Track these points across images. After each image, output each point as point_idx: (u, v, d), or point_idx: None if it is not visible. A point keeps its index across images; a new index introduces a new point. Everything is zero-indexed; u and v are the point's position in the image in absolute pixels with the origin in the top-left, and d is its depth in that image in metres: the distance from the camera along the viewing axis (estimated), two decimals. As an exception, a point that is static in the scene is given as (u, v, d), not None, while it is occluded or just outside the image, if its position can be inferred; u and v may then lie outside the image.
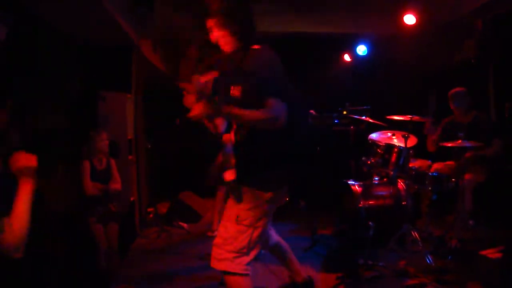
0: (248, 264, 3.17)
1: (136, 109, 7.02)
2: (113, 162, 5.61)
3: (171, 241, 6.40)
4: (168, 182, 8.26)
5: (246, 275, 3.16)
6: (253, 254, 3.19)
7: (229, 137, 3.35)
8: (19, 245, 2.52)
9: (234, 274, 3.14)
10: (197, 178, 6.74)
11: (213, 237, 6.22)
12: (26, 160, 2.66)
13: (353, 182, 5.70)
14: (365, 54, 8.20)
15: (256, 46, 3.24)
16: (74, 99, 6.38)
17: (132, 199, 6.68)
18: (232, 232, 3.15)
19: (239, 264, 3.14)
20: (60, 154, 5.64)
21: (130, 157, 6.67)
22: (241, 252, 3.14)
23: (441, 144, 5.57)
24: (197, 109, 3.21)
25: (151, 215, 7.45)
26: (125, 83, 6.91)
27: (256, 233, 3.16)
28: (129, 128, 6.70)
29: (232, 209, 3.22)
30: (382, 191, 5.67)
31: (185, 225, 6.89)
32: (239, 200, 3.17)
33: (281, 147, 3.10)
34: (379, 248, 5.02)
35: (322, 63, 8.45)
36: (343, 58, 8.56)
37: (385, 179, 5.79)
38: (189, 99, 4.65)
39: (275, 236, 3.86)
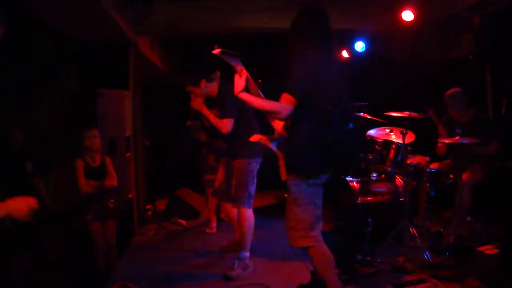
0: (318, 235, 3.68)
1: (134, 106, 7.01)
2: (107, 159, 5.58)
3: (169, 238, 6.41)
4: (166, 179, 8.26)
5: (320, 244, 3.67)
6: (318, 227, 3.71)
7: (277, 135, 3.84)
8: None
9: (312, 246, 3.64)
10: (195, 175, 6.74)
11: (211, 234, 6.27)
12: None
13: (351, 179, 5.71)
14: (363, 50, 8.18)
15: None
16: (71, 96, 6.38)
17: (130, 196, 6.69)
18: (297, 213, 3.64)
19: (313, 237, 3.64)
20: (57, 152, 5.65)
21: (128, 154, 6.67)
22: (310, 228, 3.63)
23: (439, 141, 5.58)
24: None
25: (149, 212, 7.48)
26: (123, 80, 6.90)
27: (315, 210, 3.68)
28: (127, 125, 6.69)
29: (290, 195, 3.70)
30: (380, 188, 5.68)
31: (183, 222, 6.89)
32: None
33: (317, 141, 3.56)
34: (377, 244, 5.03)
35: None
36: (340, 54, 8.55)
37: (383, 176, 5.80)
38: (197, 102, 4.83)
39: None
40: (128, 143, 6.73)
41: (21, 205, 2.74)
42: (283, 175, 3.70)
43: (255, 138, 3.92)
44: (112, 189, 5.52)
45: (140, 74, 7.27)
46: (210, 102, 5.14)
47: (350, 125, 3.74)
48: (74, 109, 6.34)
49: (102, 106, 6.42)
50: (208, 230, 6.46)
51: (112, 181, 5.49)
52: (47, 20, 5.39)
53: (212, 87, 5.15)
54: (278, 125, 3.81)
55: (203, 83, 5.11)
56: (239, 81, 3.68)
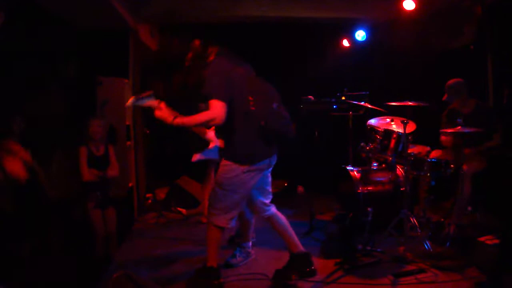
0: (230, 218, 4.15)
1: (134, 94, 6.98)
2: (111, 148, 5.60)
3: (169, 227, 6.41)
4: (166, 168, 8.25)
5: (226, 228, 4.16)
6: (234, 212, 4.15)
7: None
8: None
9: (220, 227, 4.15)
10: (196, 163, 6.71)
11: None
12: None
13: (352, 168, 5.71)
14: (364, 39, 8.15)
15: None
16: (71, 84, 6.36)
17: (130, 184, 6.69)
18: (218, 194, 4.10)
19: (224, 220, 4.11)
20: (58, 140, 5.64)
21: (128, 143, 6.66)
22: (225, 211, 4.09)
23: (441, 131, 5.58)
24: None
25: (149, 201, 7.49)
26: (123, 68, 6.88)
27: (235, 197, 4.07)
28: (127, 113, 6.67)
29: (218, 177, 4.10)
30: (381, 177, 5.67)
31: (183, 210, 6.89)
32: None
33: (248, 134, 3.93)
34: (378, 233, 5.03)
35: (320, 48, 8.41)
36: (341, 44, 8.52)
37: (383, 165, 5.80)
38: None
39: (273, 209, 4.43)
40: (128, 131, 6.73)
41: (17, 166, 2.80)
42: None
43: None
44: (114, 177, 5.53)
45: (140, 62, 7.25)
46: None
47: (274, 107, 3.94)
48: (74, 97, 6.32)
49: (103, 94, 6.40)
50: (204, 220, 6.43)
51: (114, 171, 5.51)
52: (47, 8, 5.37)
53: None
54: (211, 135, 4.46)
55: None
56: (164, 113, 3.94)
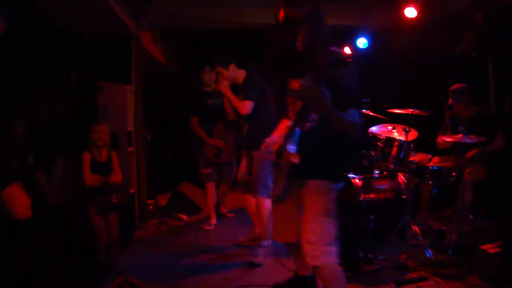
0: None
1: (135, 100, 7.00)
2: (114, 154, 5.61)
3: (170, 233, 6.39)
4: (168, 174, 8.25)
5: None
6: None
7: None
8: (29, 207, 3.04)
9: (332, 264, 3.29)
10: (197, 170, 6.73)
11: (209, 231, 6.25)
12: None
13: (353, 175, 5.70)
14: (365, 46, 8.16)
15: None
16: (73, 90, 6.37)
17: (132, 191, 6.69)
18: (325, 225, 3.25)
19: (336, 254, 3.27)
20: (60, 146, 5.65)
21: (130, 148, 6.67)
22: (334, 242, 3.26)
23: (443, 138, 5.58)
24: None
25: (150, 207, 7.48)
26: (125, 74, 6.90)
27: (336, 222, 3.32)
28: (129, 119, 6.69)
29: (314, 204, 3.28)
30: (382, 185, 5.67)
31: (184, 217, 6.87)
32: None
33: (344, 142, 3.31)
34: (379, 241, 5.03)
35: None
36: (343, 51, 8.52)
37: (385, 173, 5.80)
38: (223, 84, 4.84)
39: None
40: (130, 137, 6.73)
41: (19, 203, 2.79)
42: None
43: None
44: (116, 184, 5.54)
45: (142, 68, 7.26)
46: (234, 89, 5.25)
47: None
48: (76, 103, 6.33)
49: (104, 100, 6.41)
50: (206, 227, 6.42)
51: (116, 177, 5.52)
52: (49, 13, 5.38)
53: (239, 73, 5.26)
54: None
55: (232, 67, 5.19)
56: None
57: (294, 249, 3.72)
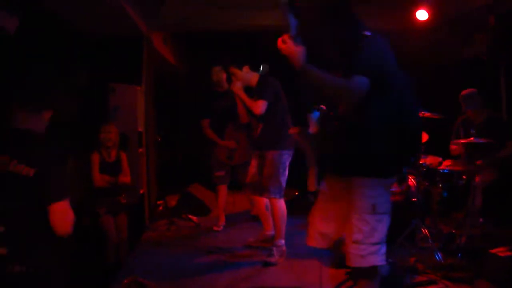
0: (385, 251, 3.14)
1: (146, 101, 7.03)
2: (123, 155, 5.63)
3: (180, 234, 6.40)
4: (177, 175, 8.27)
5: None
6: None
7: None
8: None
9: (381, 266, 3.12)
10: (207, 171, 6.73)
11: (218, 232, 6.24)
12: None
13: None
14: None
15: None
16: (84, 91, 6.40)
17: (141, 191, 6.71)
18: (372, 223, 3.05)
19: (383, 254, 3.11)
20: (70, 146, 5.67)
21: (140, 149, 6.69)
22: (382, 242, 3.10)
23: (454, 142, 5.56)
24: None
25: (160, 208, 7.51)
26: (136, 75, 6.93)
27: (389, 219, 3.14)
28: (139, 120, 6.71)
29: (362, 200, 3.04)
30: (392, 187, 5.65)
31: (194, 218, 6.88)
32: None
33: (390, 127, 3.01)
34: (389, 244, 5.00)
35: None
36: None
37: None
38: (236, 84, 5.19)
39: None
40: (140, 138, 6.76)
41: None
42: (311, 183, 3.25)
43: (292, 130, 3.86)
44: (125, 185, 5.56)
45: (153, 69, 7.29)
46: (247, 91, 5.28)
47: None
48: (88, 104, 6.36)
49: (115, 101, 6.44)
50: (215, 228, 6.44)
51: (125, 177, 5.54)
52: (61, 14, 5.41)
53: (253, 76, 5.29)
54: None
55: (246, 69, 5.21)
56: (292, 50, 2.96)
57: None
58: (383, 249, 3.10)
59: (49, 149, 2.82)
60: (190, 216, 6.90)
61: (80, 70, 6.34)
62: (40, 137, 2.87)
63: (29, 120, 2.86)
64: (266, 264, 4.90)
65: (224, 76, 6.22)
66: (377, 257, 3.06)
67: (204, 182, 7.39)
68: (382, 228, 3.09)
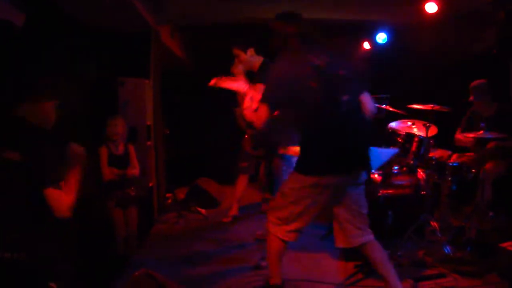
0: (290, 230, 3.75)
1: (154, 94, 7.04)
2: (131, 147, 5.65)
3: (189, 227, 6.44)
4: (186, 168, 8.28)
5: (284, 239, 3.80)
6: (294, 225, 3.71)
7: None
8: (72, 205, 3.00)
9: (276, 236, 3.78)
10: (215, 164, 6.75)
11: (228, 224, 6.24)
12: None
13: (372, 171, 5.68)
14: (385, 42, 8.12)
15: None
16: (93, 85, 6.41)
17: (150, 184, 6.73)
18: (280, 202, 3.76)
19: (282, 230, 3.77)
20: (79, 140, 5.68)
21: (148, 142, 6.70)
22: (284, 221, 3.74)
23: (464, 134, 5.54)
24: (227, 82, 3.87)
25: (169, 201, 7.53)
26: (144, 69, 6.93)
27: (295, 209, 3.66)
28: (148, 113, 6.72)
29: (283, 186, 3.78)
30: (402, 180, 5.64)
31: (203, 210, 6.91)
32: None
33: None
34: (398, 237, 5.01)
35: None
36: (362, 46, 8.48)
37: (404, 168, 5.76)
38: (236, 68, 4.79)
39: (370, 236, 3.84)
40: (149, 131, 6.77)
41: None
42: None
43: None
44: (134, 177, 5.58)
45: (161, 63, 7.29)
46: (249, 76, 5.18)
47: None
48: (96, 98, 6.38)
49: (124, 95, 6.45)
50: (224, 219, 6.45)
51: (134, 170, 5.55)
52: (69, 9, 5.42)
53: (257, 60, 5.32)
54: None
55: (251, 51, 5.18)
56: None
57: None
58: (284, 227, 3.76)
59: (40, 135, 2.92)
60: (198, 209, 6.93)
61: (88, 64, 6.35)
62: (31, 125, 2.97)
63: (27, 110, 3.01)
64: (257, 268, 4.72)
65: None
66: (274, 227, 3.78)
67: (213, 175, 7.40)
68: (284, 210, 3.74)
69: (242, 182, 6.52)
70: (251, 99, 3.81)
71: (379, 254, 3.74)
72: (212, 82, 4.06)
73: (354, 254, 4.58)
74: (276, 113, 3.56)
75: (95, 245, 5.16)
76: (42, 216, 2.86)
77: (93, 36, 6.25)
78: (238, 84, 3.99)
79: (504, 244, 4.31)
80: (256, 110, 3.60)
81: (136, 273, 3.65)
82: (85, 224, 5.29)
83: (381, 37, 8.15)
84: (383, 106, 6.02)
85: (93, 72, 6.46)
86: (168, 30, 7.67)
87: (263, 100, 3.50)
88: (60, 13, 5.28)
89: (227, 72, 6.32)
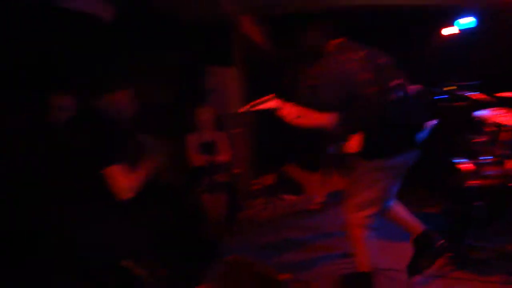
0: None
1: (240, 82, 7.19)
2: (220, 135, 5.79)
3: (276, 213, 6.55)
4: (273, 155, 8.39)
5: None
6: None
7: None
8: (133, 188, 3.31)
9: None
10: (303, 151, 6.81)
11: (316, 211, 6.28)
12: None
13: (460, 160, 5.61)
14: (472, 26, 7.90)
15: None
16: (180, 74, 6.62)
17: (238, 171, 6.89)
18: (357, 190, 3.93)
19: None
20: (169, 127, 5.91)
21: (235, 130, 6.86)
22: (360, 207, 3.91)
23: None
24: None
25: (256, 187, 7.66)
26: (229, 57, 7.08)
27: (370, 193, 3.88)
28: (234, 102, 6.87)
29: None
30: (490, 171, 5.53)
31: (290, 197, 7.02)
32: None
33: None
34: (486, 229, 4.96)
35: (426, 36, 8.22)
36: (448, 31, 8.28)
37: (493, 158, 5.66)
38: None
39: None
40: (235, 119, 6.93)
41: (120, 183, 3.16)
42: None
43: None
44: (223, 164, 5.73)
45: (244, 51, 7.41)
46: None
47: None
48: (184, 86, 6.58)
49: (210, 83, 6.62)
50: (311, 207, 6.51)
51: (223, 156, 5.70)
52: (155, 2, 5.62)
53: None
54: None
55: None
56: (288, 111, 3.86)
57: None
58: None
59: (102, 121, 3.20)
60: (285, 196, 7.03)
61: (176, 53, 6.55)
62: (96, 112, 3.25)
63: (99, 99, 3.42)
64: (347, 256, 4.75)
65: None
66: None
67: (300, 162, 7.46)
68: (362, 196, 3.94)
69: (329, 169, 6.56)
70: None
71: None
72: (244, 108, 4.13)
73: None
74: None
75: (184, 231, 5.37)
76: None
77: (177, 26, 6.44)
78: (270, 103, 4.04)
79: None
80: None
81: (228, 258, 3.77)
82: (174, 210, 5.54)
83: (468, 21, 7.94)
84: (471, 93, 5.93)
85: (179, 61, 6.66)
86: (251, 20, 7.78)
87: (322, 106, 3.66)
88: (147, 5, 5.49)
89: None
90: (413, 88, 3.94)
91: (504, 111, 5.66)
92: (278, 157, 8.13)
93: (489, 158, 5.60)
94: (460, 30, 8.14)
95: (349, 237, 3.97)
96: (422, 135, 3.90)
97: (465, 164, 5.51)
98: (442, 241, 4.13)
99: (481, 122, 5.56)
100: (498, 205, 5.12)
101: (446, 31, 8.21)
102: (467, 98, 5.90)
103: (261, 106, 4.00)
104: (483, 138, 5.51)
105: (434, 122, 4.08)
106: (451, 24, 8.20)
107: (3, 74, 4.29)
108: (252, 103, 4.03)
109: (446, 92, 6.29)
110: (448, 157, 5.87)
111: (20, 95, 4.38)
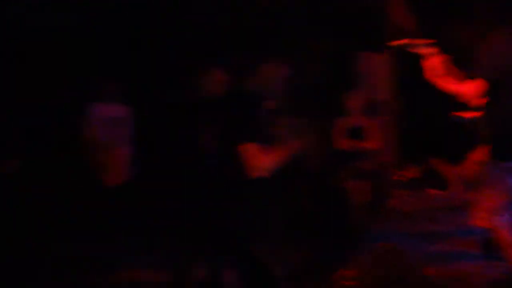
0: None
1: (390, 68, 7.00)
2: (370, 121, 5.65)
3: (420, 205, 6.35)
4: (420, 146, 8.13)
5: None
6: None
7: None
8: (268, 168, 3.25)
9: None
10: (451, 145, 6.52)
11: (460, 206, 5.97)
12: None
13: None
14: None
15: None
16: (333, 59, 6.58)
17: (385, 159, 6.71)
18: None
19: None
20: (318, 110, 5.87)
21: (384, 117, 6.67)
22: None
23: None
24: None
25: (401, 177, 7.47)
26: (379, 43, 6.93)
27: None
28: (385, 88, 6.70)
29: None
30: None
31: (435, 191, 6.77)
32: None
33: None
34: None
35: None
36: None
37: None
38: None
39: None
40: (385, 106, 6.75)
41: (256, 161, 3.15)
42: None
43: None
44: (369, 151, 5.60)
45: (395, 36, 7.22)
46: None
47: None
48: (336, 71, 6.53)
49: (361, 68, 6.52)
50: (456, 202, 6.17)
51: (370, 143, 5.56)
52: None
53: None
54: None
55: None
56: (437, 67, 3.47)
57: None
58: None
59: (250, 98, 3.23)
60: (432, 190, 6.80)
61: (328, 38, 6.52)
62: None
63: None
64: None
65: None
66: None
67: (446, 155, 7.18)
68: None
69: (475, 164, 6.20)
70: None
71: None
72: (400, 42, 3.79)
73: None
74: None
75: (328, 216, 5.30)
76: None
77: (331, 12, 6.41)
78: (425, 49, 3.63)
79: None
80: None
81: (380, 245, 3.65)
82: (316, 194, 5.48)
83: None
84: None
85: (331, 46, 6.62)
86: (402, 4, 7.57)
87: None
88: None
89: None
90: None
91: None
92: (425, 148, 7.85)
93: None
94: None
95: (496, 241, 3.54)
96: None
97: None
98: None
99: None
100: None
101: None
102: None
103: (416, 49, 3.59)
104: None
105: None
106: None
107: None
108: (410, 41, 3.68)
109: None
110: None
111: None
